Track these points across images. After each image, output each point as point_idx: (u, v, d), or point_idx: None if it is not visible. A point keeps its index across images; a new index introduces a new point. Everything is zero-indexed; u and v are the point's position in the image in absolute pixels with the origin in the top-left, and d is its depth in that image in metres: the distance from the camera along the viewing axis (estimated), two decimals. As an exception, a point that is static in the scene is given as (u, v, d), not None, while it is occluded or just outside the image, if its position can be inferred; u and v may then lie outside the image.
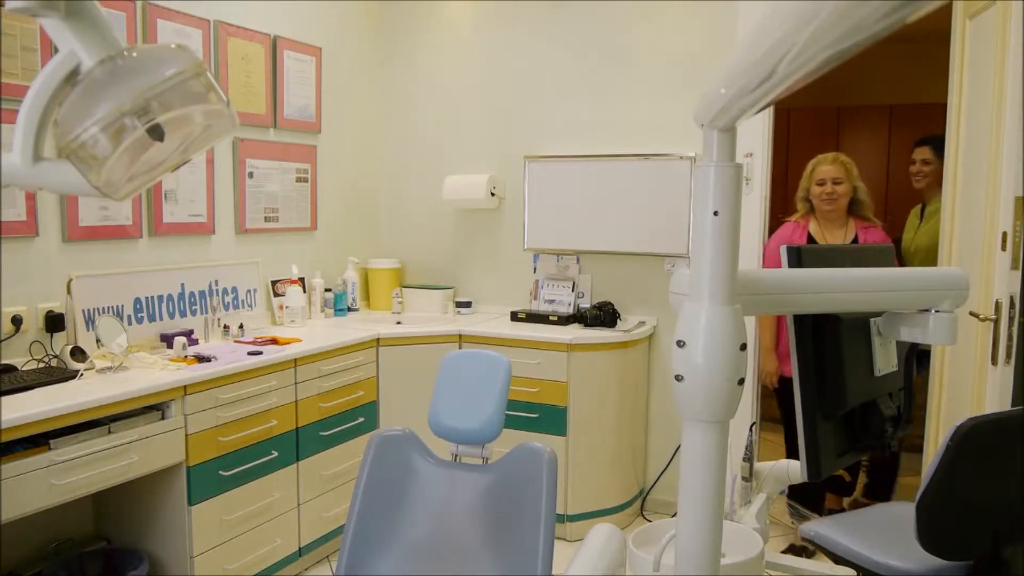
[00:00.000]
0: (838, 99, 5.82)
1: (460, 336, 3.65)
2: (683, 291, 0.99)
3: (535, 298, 3.98)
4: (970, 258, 2.71)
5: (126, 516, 2.74)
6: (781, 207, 5.80)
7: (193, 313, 3.23)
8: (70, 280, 2.77)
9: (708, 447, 0.91)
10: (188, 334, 3.06)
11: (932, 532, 1.82)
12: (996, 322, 2.39)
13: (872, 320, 1.43)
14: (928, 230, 3.50)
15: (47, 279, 2.72)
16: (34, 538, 2.62)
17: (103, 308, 2.86)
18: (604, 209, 3.77)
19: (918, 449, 3.39)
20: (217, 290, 3.36)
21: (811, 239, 3.25)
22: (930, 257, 3.39)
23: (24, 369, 2.53)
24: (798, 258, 1.40)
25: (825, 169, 3.35)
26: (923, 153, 3.64)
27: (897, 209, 5.74)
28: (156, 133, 0.90)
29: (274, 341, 3.19)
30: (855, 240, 3.22)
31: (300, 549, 3.10)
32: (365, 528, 1.79)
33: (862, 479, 3.79)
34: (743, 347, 0.90)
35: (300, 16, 3.79)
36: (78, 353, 2.62)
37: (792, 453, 3.22)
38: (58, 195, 2.73)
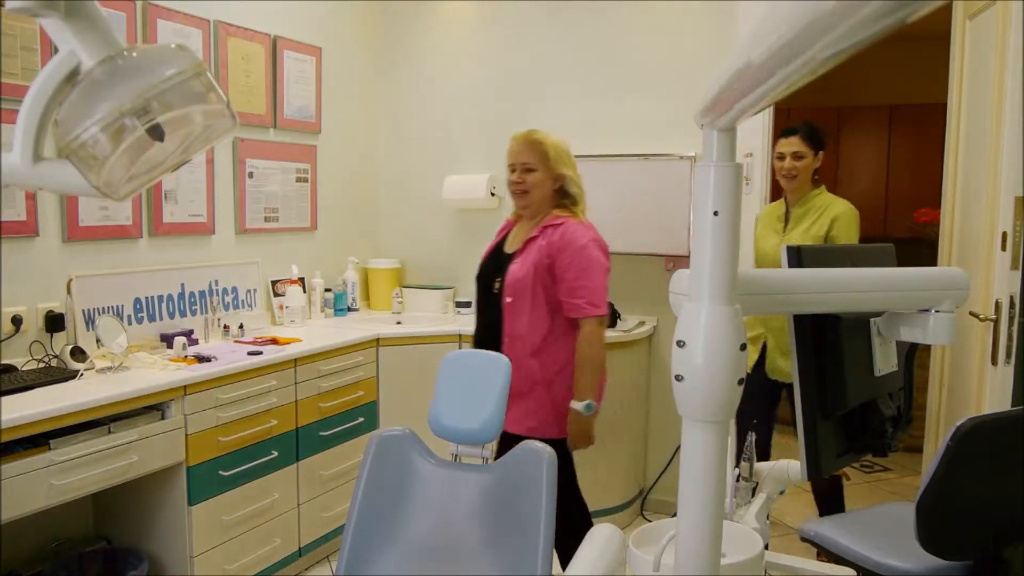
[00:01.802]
0: (838, 99, 5.82)
1: (460, 336, 3.65)
2: (683, 291, 0.99)
3: (535, 298, 3.98)
4: (970, 258, 2.71)
5: (126, 516, 2.74)
6: (781, 207, 5.82)
7: (193, 313, 3.23)
8: (70, 280, 2.77)
9: (708, 447, 0.91)
10: (188, 334, 3.06)
11: (932, 532, 1.82)
12: (996, 322, 2.40)
13: (872, 320, 1.43)
14: (801, 237, 2.98)
15: (47, 279, 2.72)
16: (34, 538, 2.62)
17: (103, 308, 2.86)
18: (604, 209, 3.76)
19: (918, 449, 3.39)
20: (217, 290, 3.36)
21: (501, 244, 2.69)
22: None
23: (24, 369, 2.53)
24: (798, 258, 1.40)
25: (513, 152, 2.59)
26: (793, 144, 3.03)
27: (897, 210, 5.75)
28: (156, 133, 0.90)
29: (274, 341, 3.19)
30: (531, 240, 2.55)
31: (300, 549, 3.10)
32: (365, 528, 1.79)
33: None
34: (743, 347, 0.90)
35: (300, 16, 3.79)
36: (78, 353, 2.62)
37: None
38: (58, 195, 2.73)
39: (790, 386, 2.89)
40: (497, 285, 2.55)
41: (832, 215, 2.95)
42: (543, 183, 2.55)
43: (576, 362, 2.51)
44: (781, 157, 3.06)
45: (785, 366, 3.04)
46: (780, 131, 3.13)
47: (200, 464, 2.62)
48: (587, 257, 2.47)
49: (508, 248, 2.62)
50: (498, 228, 2.79)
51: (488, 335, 2.58)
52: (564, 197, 2.58)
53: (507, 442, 2.30)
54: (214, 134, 0.99)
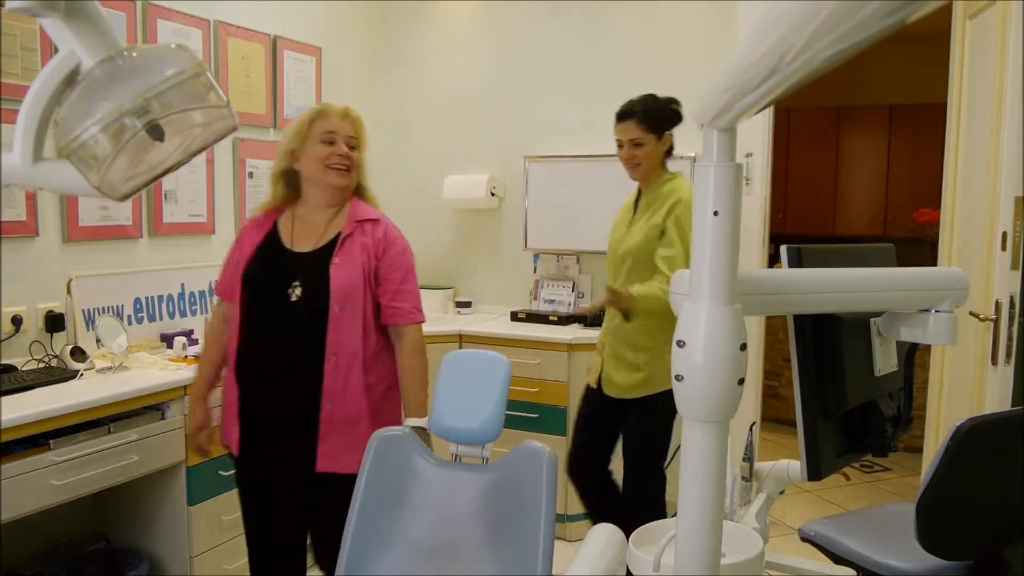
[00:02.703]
0: (838, 99, 5.82)
1: (460, 336, 3.65)
2: (683, 291, 0.99)
3: (535, 298, 3.99)
4: (970, 258, 2.71)
5: (126, 516, 2.74)
6: (781, 207, 5.83)
7: (193, 313, 3.22)
8: (70, 280, 2.77)
9: (708, 447, 0.91)
10: (188, 334, 3.06)
11: (932, 532, 1.82)
12: (996, 322, 2.40)
13: (872, 320, 1.43)
14: (643, 229, 2.68)
15: (47, 279, 2.72)
16: (34, 538, 2.62)
17: (103, 308, 2.86)
18: (604, 209, 3.76)
19: (918, 449, 3.39)
20: (217, 290, 3.36)
21: (273, 239, 2.15)
22: (640, 263, 2.63)
23: (24, 369, 2.53)
24: (798, 258, 1.40)
25: (335, 123, 2.21)
26: (629, 131, 2.66)
27: (897, 210, 5.75)
28: (156, 133, 0.90)
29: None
30: (335, 242, 2.12)
31: (300, 549, 3.09)
32: (365, 528, 1.79)
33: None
34: (743, 347, 0.90)
35: (300, 16, 3.79)
36: (78, 353, 2.62)
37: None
38: (58, 195, 2.73)
39: (629, 405, 2.68)
40: (298, 291, 2.05)
41: (672, 201, 2.62)
42: (361, 166, 2.22)
43: (408, 376, 2.15)
44: (619, 145, 2.71)
45: (621, 379, 2.68)
46: (616, 114, 2.72)
47: (200, 464, 2.61)
48: (408, 259, 2.20)
49: (294, 243, 2.12)
50: (255, 218, 2.24)
51: (281, 354, 2.06)
52: (362, 184, 2.24)
53: (324, 484, 2.04)
54: (214, 135, 0.99)
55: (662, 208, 2.62)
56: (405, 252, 2.20)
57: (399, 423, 2.13)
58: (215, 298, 2.27)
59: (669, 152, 2.72)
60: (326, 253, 2.10)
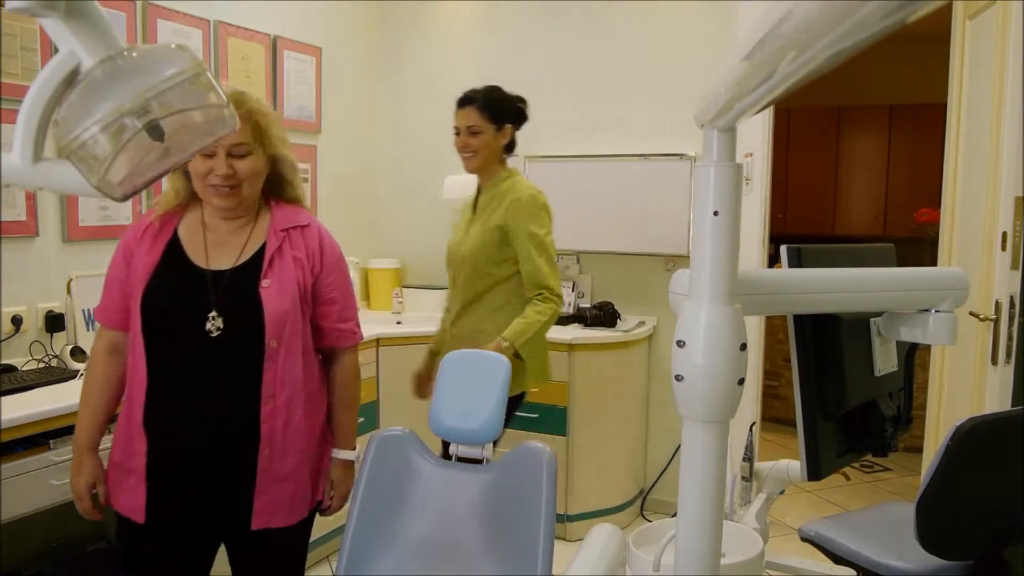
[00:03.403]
0: (838, 99, 5.82)
1: (460, 336, 3.65)
2: (683, 291, 0.99)
3: (535, 298, 3.98)
4: (970, 258, 2.71)
5: (126, 516, 2.74)
6: (781, 207, 5.83)
7: (193, 313, 3.22)
8: (70, 280, 2.77)
9: (708, 447, 0.91)
10: (188, 334, 3.06)
11: (932, 532, 1.82)
12: (996, 322, 2.40)
13: (872, 320, 1.43)
14: (480, 231, 2.52)
15: (47, 279, 2.72)
16: (34, 538, 2.62)
17: (103, 308, 2.86)
18: (604, 209, 3.77)
19: (918, 449, 3.39)
20: (217, 290, 3.35)
21: (177, 254, 1.72)
22: (479, 267, 2.50)
23: (24, 369, 2.53)
24: (798, 258, 1.40)
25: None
26: (467, 117, 2.52)
27: (897, 210, 5.75)
28: (156, 133, 0.90)
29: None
30: (260, 257, 1.73)
31: (300, 549, 3.10)
32: (365, 528, 1.79)
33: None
34: (743, 347, 0.90)
35: (300, 16, 3.79)
36: (78, 353, 2.62)
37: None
38: (58, 195, 2.73)
39: None
40: (218, 323, 1.65)
41: (510, 201, 2.49)
42: (260, 171, 1.73)
43: (343, 403, 1.88)
44: (456, 132, 2.55)
45: None
46: (457, 100, 2.58)
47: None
48: (346, 268, 1.91)
49: (208, 259, 1.71)
50: (148, 224, 1.75)
51: (205, 400, 1.68)
52: (280, 183, 1.82)
53: (260, 542, 1.74)
54: (214, 135, 0.99)
55: (500, 208, 2.50)
56: (342, 260, 1.88)
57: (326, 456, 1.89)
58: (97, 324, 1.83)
59: (509, 148, 2.61)
60: (251, 273, 1.70)
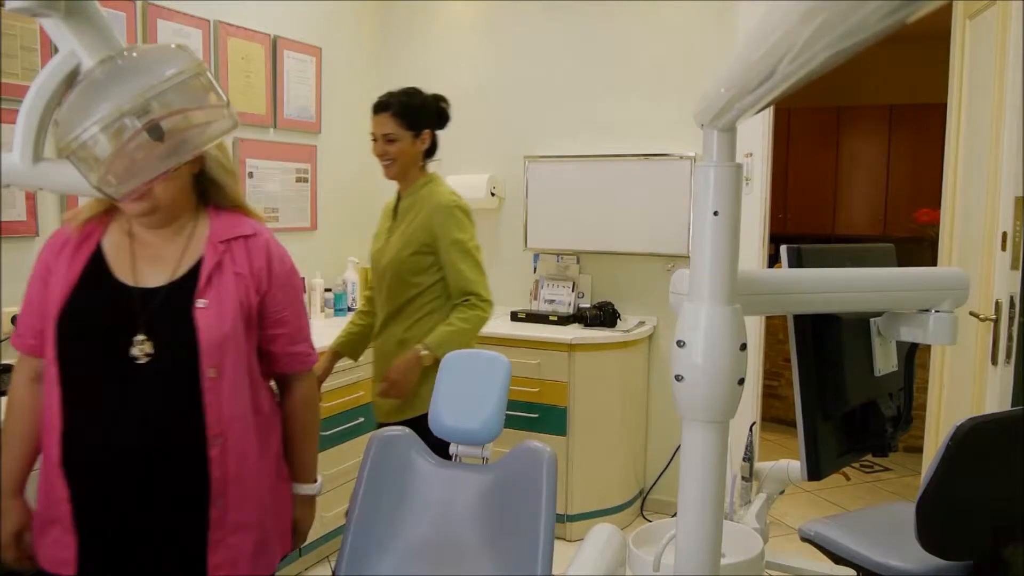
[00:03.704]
0: (838, 99, 5.82)
1: (460, 336, 3.65)
2: (683, 291, 0.99)
3: (535, 298, 3.99)
4: (970, 258, 2.71)
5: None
6: (781, 207, 5.83)
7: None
8: (70, 280, 2.76)
9: (708, 447, 0.91)
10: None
11: (932, 532, 1.82)
12: (996, 322, 2.40)
13: (872, 320, 1.43)
14: (401, 238, 2.43)
15: (47, 279, 2.72)
16: (34, 538, 2.62)
17: (103, 308, 2.86)
18: (604, 209, 3.77)
19: (918, 449, 3.39)
20: (217, 290, 3.35)
21: (99, 269, 1.51)
22: (401, 276, 2.41)
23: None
24: (798, 258, 1.40)
25: None
26: (383, 125, 2.44)
27: (897, 210, 5.75)
28: (156, 133, 0.90)
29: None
30: (196, 273, 1.51)
31: (300, 549, 3.10)
32: (365, 528, 1.79)
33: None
34: (743, 347, 0.90)
35: (300, 16, 3.79)
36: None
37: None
38: (58, 195, 2.73)
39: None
40: (145, 348, 1.43)
41: (430, 207, 2.42)
42: (176, 172, 1.41)
43: (300, 433, 1.70)
44: (373, 138, 2.49)
45: (381, 404, 2.47)
46: (373, 106, 2.50)
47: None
48: (299, 284, 1.69)
49: (136, 275, 1.49)
50: (66, 237, 1.54)
51: (136, 439, 1.44)
52: (210, 187, 1.57)
53: None
54: (214, 134, 0.99)
55: (420, 214, 2.42)
56: (293, 275, 1.65)
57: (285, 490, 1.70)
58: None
59: (430, 153, 2.53)
60: (186, 291, 1.48)
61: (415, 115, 2.46)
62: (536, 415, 3.49)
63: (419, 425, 2.36)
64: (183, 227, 1.53)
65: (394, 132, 2.43)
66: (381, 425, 2.47)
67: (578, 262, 3.95)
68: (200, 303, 1.47)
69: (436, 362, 2.31)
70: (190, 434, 1.46)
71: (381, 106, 2.47)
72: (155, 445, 1.45)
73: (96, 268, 1.49)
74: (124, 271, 1.50)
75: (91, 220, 1.53)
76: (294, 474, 1.71)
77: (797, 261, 1.39)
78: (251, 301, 1.53)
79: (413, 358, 2.32)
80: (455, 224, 2.41)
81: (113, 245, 1.52)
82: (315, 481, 1.76)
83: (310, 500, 1.76)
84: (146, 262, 1.51)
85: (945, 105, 3.04)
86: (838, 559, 2.15)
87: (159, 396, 1.46)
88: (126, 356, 1.43)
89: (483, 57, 4.13)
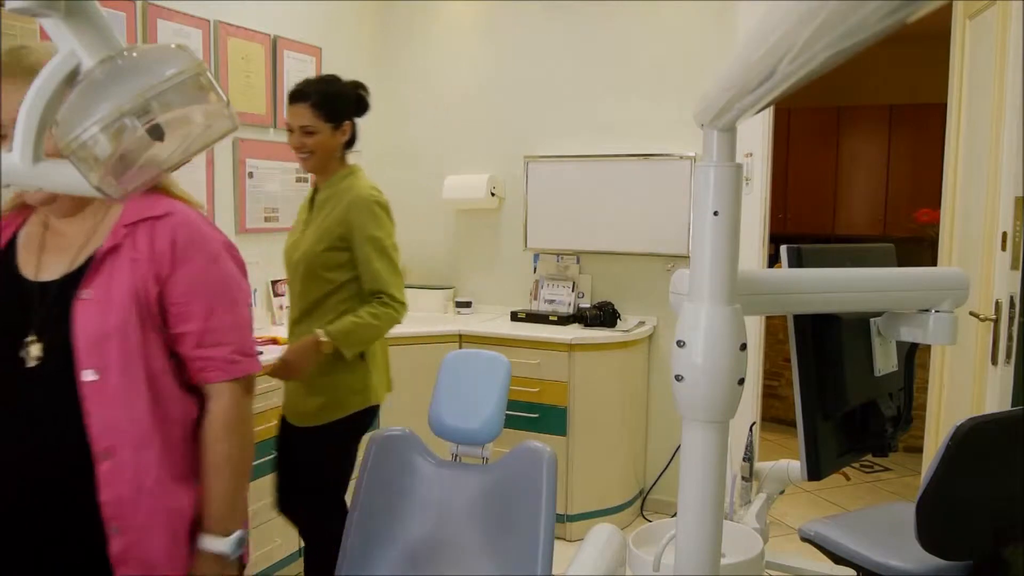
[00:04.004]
0: (838, 99, 5.82)
1: (460, 336, 3.65)
2: (683, 291, 0.99)
3: (535, 298, 3.99)
4: (970, 258, 2.71)
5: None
6: (781, 207, 5.83)
7: (193, 313, 3.22)
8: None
9: (708, 447, 0.91)
10: (188, 334, 3.06)
11: (932, 532, 1.82)
12: (996, 322, 2.40)
13: (872, 320, 1.43)
14: (317, 231, 2.34)
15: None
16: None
17: (103, 308, 2.86)
18: (604, 209, 3.77)
19: (918, 449, 3.39)
20: (217, 290, 3.35)
21: (6, 264, 1.37)
22: (314, 271, 2.31)
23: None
24: (798, 258, 1.40)
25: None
26: (300, 116, 2.31)
27: (897, 210, 5.75)
28: (156, 133, 0.90)
29: (274, 341, 3.19)
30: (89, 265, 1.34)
31: (300, 549, 3.09)
32: (365, 528, 1.79)
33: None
34: (743, 347, 0.90)
35: (300, 16, 3.79)
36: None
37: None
38: None
39: (311, 433, 2.33)
40: (35, 350, 1.27)
41: (348, 200, 2.33)
42: None
43: (210, 466, 1.36)
44: (289, 130, 2.36)
45: (303, 406, 2.35)
46: (288, 95, 2.36)
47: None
48: (222, 272, 1.38)
49: (40, 269, 1.34)
50: None
51: (17, 455, 1.27)
52: None
53: None
54: (214, 135, 0.99)
55: (338, 208, 2.32)
56: (216, 262, 1.37)
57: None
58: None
59: (350, 144, 2.45)
60: (76, 283, 1.29)
61: (334, 105, 2.34)
62: (536, 415, 3.49)
63: (340, 429, 2.34)
64: (95, 213, 1.35)
65: (312, 124, 2.32)
66: (294, 428, 2.40)
67: (578, 262, 3.95)
68: (84, 294, 1.27)
69: (355, 358, 2.26)
70: (74, 447, 1.25)
71: (298, 96, 2.32)
72: (40, 460, 1.26)
73: (3, 263, 1.35)
74: (28, 265, 1.34)
75: (12, 212, 1.40)
76: (204, 519, 1.36)
77: (797, 261, 1.39)
78: (148, 291, 1.30)
79: (312, 342, 2.23)
80: (373, 220, 2.32)
81: (27, 237, 1.38)
82: (228, 534, 1.35)
83: (216, 560, 1.35)
84: (52, 253, 1.34)
85: (945, 105, 3.04)
86: (838, 559, 2.15)
87: (44, 404, 1.27)
88: (15, 359, 1.26)
89: (483, 57, 4.13)
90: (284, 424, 2.46)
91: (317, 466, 2.42)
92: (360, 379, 2.37)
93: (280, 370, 2.27)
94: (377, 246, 2.32)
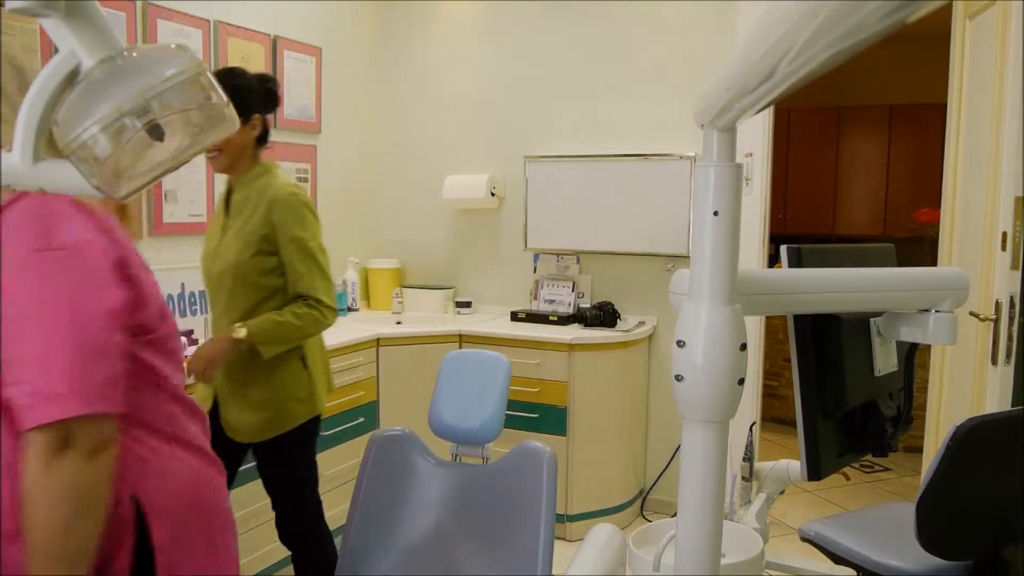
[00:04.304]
0: (838, 99, 5.82)
1: (460, 336, 3.65)
2: (683, 291, 0.99)
3: (535, 298, 3.99)
4: (970, 258, 2.71)
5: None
6: (781, 207, 5.83)
7: (193, 313, 3.22)
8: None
9: (708, 447, 0.91)
10: (188, 334, 3.06)
11: (932, 532, 1.82)
12: (996, 322, 2.40)
13: (872, 320, 1.43)
14: (238, 239, 2.20)
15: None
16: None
17: (103, 308, 2.86)
18: (604, 209, 3.77)
19: (918, 449, 3.39)
20: (217, 290, 3.35)
21: None
22: (244, 281, 2.18)
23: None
24: (798, 258, 1.40)
25: None
26: None
27: (897, 210, 5.75)
28: (156, 133, 0.90)
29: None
30: None
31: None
32: (365, 528, 1.79)
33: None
34: (743, 347, 0.90)
35: (300, 16, 3.79)
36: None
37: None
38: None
39: (260, 448, 2.26)
40: None
41: (268, 201, 2.20)
42: None
43: (23, 529, 1.04)
44: None
45: (247, 420, 2.23)
46: None
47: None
48: (29, 288, 1.05)
49: None
50: None
51: None
52: None
53: None
54: (214, 134, 0.99)
55: (259, 209, 2.19)
56: (22, 271, 1.06)
57: None
58: None
59: (262, 140, 2.31)
60: None
61: (242, 99, 2.13)
62: (536, 415, 3.49)
63: (291, 441, 2.26)
64: None
65: None
66: (245, 445, 2.29)
67: (578, 262, 3.95)
68: None
69: (275, 361, 2.16)
70: None
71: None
72: None
73: None
74: None
75: None
76: None
77: (797, 261, 1.39)
78: None
79: (227, 336, 2.12)
80: (296, 220, 2.21)
81: None
82: None
83: None
84: None
85: (945, 105, 3.04)
86: (838, 559, 2.15)
87: None
88: None
89: (483, 57, 4.13)
90: (224, 442, 2.16)
91: (283, 477, 2.36)
92: (304, 387, 2.29)
93: (193, 365, 2.11)
94: (300, 247, 2.21)
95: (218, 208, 2.33)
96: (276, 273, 2.22)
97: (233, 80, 2.17)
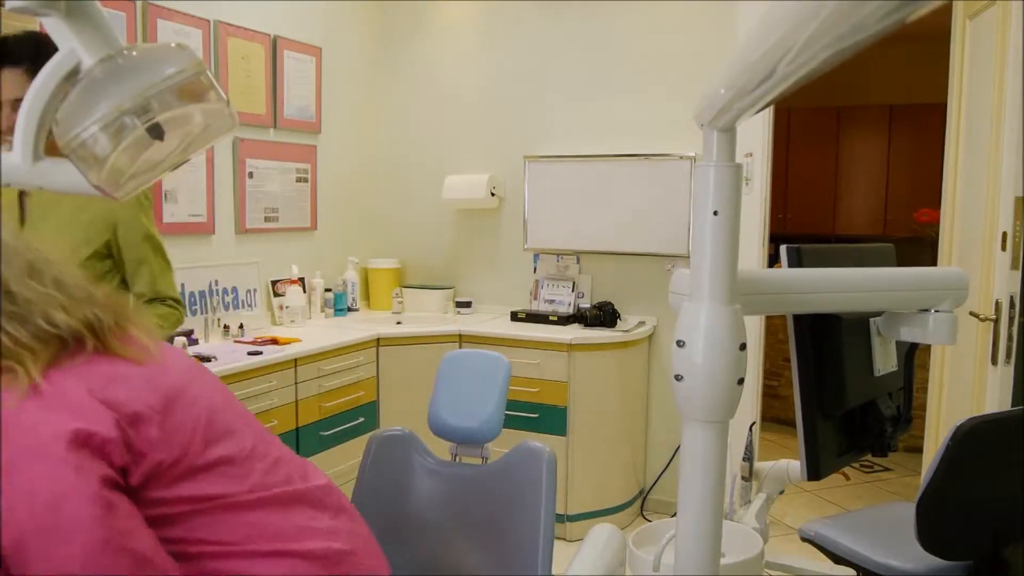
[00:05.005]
0: (838, 99, 5.82)
1: (460, 336, 3.65)
2: (683, 291, 0.99)
3: (535, 298, 3.99)
4: (970, 258, 2.71)
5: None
6: (781, 207, 5.83)
7: (193, 313, 3.23)
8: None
9: (708, 447, 0.91)
10: (188, 334, 3.06)
11: (932, 532, 1.82)
12: (996, 322, 2.40)
13: (872, 320, 1.43)
14: (69, 236, 1.86)
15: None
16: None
17: (103, 308, 2.86)
18: (604, 209, 3.77)
19: (918, 449, 3.39)
20: (217, 290, 3.35)
21: None
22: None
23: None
24: (798, 258, 1.40)
25: None
26: (12, 85, 1.68)
27: (897, 210, 5.75)
28: (156, 132, 0.90)
29: (274, 341, 3.19)
30: None
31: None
32: (365, 528, 1.79)
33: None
34: (743, 347, 0.90)
35: (300, 16, 3.79)
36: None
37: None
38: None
39: None
40: None
41: (105, 204, 1.87)
42: None
43: None
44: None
45: None
46: None
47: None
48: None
49: None
50: None
51: None
52: None
53: None
54: (214, 134, 0.99)
55: (91, 203, 1.86)
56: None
57: None
58: None
59: None
60: None
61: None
62: (536, 415, 3.48)
63: None
64: None
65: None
66: None
67: (578, 262, 3.95)
68: None
69: None
70: None
71: (8, 58, 1.69)
72: None
73: None
74: None
75: None
76: None
77: (797, 261, 1.39)
78: None
79: None
80: (145, 215, 1.95)
81: None
82: None
83: None
84: None
85: (945, 105, 3.04)
86: (838, 559, 2.15)
87: None
88: None
89: (483, 57, 4.13)
90: None
91: None
92: None
93: None
94: (154, 244, 1.98)
95: (11, 204, 1.89)
96: (107, 279, 1.95)
97: (44, 47, 1.54)
